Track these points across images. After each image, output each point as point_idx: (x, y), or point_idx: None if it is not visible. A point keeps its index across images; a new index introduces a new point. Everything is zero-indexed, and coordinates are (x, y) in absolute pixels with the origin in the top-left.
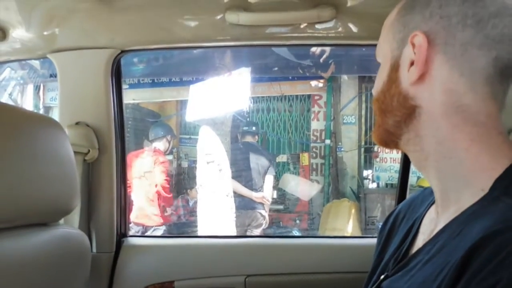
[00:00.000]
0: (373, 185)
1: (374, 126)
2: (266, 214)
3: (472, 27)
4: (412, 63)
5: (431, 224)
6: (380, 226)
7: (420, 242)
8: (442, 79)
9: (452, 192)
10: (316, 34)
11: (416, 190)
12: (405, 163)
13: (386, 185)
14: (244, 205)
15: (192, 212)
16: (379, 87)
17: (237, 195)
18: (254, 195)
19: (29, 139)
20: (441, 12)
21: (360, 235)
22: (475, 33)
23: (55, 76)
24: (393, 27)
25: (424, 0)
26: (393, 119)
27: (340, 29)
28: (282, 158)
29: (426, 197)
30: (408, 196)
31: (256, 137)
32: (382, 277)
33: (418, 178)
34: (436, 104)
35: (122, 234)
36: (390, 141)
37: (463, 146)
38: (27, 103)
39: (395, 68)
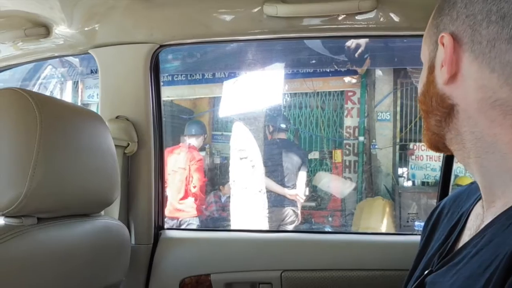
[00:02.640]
0: (408, 183)
1: (423, 131)
2: (298, 211)
3: (497, 23)
4: (442, 64)
5: (478, 219)
6: (423, 224)
7: (466, 237)
8: (473, 77)
9: (498, 186)
10: (355, 25)
11: (454, 189)
12: (448, 159)
13: (422, 183)
14: (276, 202)
15: (224, 208)
16: (421, 89)
17: (269, 191)
18: (287, 192)
19: (74, 132)
20: (467, 11)
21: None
22: (501, 28)
23: (94, 73)
24: (429, 30)
25: (452, 1)
26: (434, 118)
27: (381, 20)
28: (314, 155)
29: (473, 192)
30: (450, 192)
31: (287, 133)
32: (426, 272)
33: (456, 176)
34: (471, 101)
35: (160, 226)
36: (440, 144)
37: (504, 140)
38: (67, 100)
39: (431, 69)
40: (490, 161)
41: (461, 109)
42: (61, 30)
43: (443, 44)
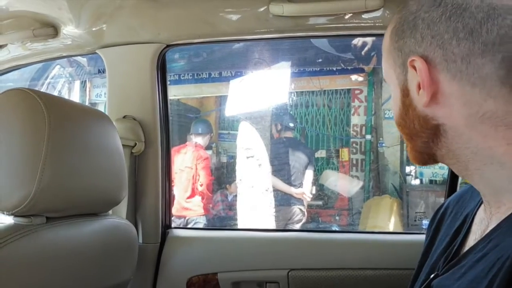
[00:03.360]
0: (416, 182)
1: (408, 151)
2: (305, 210)
3: (467, 39)
4: (419, 86)
5: (482, 224)
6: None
7: (471, 241)
8: (455, 95)
9: (501, 193)
10: (362, 24)
11: (462, 186)
12: None
13: (430, 181)
14: (283, 201)
15: (231, 206)
16: (397, 113)
17: (276, 190)
18: (293, 191)
19: (82, 132)
20: (431, 31)
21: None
22: (472, 44)
23: (102, 73)
24: (390, 53)
25: (412, 23)
26: (420, 140)
27: (388, 18)
28: (321, 153)
29: (476, 193)
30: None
31: (293, 132)
32: (432, 276)
33: None
34: (458, 119)
35: (167, 225)
36: (428, 160)
37: (500, 152)
38: (74, 100)
39: (405, 92)
40: (491, 172)
41: (448, 127)
42: (69, 30)
43: (413, 67)
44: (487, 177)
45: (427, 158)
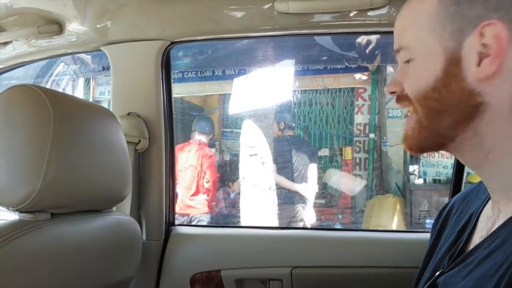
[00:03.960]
0: (419, 181)
1: (409, 128)
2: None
3: None
4: (481, 56)
5: (489, 221)
6: (433, 222)
7: (477, 239)
8: None
9: None
10: (367, 22)
11: (466, 186)
12: None
13: (434, 181)
14: (286, 198)
15: (235, 204)
16: (429, 84)
17: (279, 188)
18: (296, 186)
19: (87, 128)
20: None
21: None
22: None
23: (106, 70)
24: (437, 17)
25: None
26: (452, 118)
27: (394, 16)
28: (324, 152)
29: (482, 191)
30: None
31: (295, 130)
32: (437, 273)
33: (468, 174)
34: (505, 99)
35: (171, 222)
36: (436, 144)
37: None
38: (78, 97)
39: (454, 62)
40: (511, 164)
41: (490, 107)
42: (74, 27)
43: (480, 34)
44: (505, 169)
45: (438, 141)
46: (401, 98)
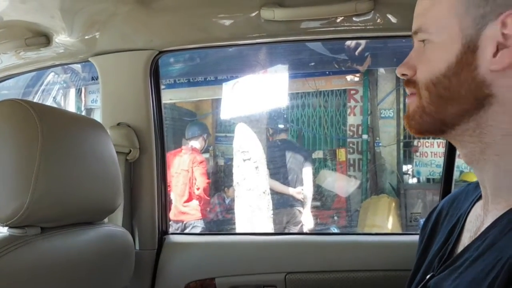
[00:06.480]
0: (413, 181)
1: (411, 110)
2: (303, 211)
3: None
4: (499, 46)
5: (477, 221)
6: (422, 223)
7: (466, 240)
8: None
9: (506, 188)
10: (353, 27)
11: (460, 185)
12: (450, 156)
13: (428, 180)
14: (281, 203)
15: (229, 210)
16: (440, 69)
17: (274, 192)
18: (291, 190)
19: (75, 141)
20: None
21: (400, 231)
22: None
23: (96, 79)
24: (462, 0)
25: None
26: (458, 107)
27: (378, 21)
28: (318, 154)
29: (470, 193)
30: (453, 190)
31: (288, 133)
32: (428, 276)
33: (461, 172)
34: None
35: (164, 231)
36: (437, 130)
37: None
38: (70, 106)
39: (470, 49)
40: (509, 161)
41: (498, 100)
42: (62, 39)
43: (503, 23)
44: (501, 166)
45: (440, 128)
46: (410, 82)
